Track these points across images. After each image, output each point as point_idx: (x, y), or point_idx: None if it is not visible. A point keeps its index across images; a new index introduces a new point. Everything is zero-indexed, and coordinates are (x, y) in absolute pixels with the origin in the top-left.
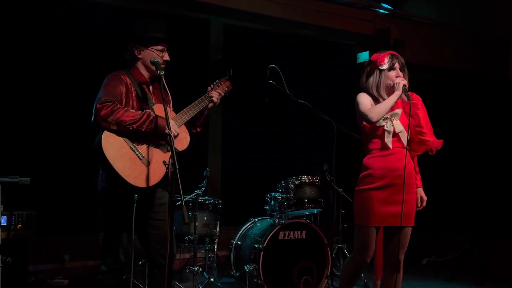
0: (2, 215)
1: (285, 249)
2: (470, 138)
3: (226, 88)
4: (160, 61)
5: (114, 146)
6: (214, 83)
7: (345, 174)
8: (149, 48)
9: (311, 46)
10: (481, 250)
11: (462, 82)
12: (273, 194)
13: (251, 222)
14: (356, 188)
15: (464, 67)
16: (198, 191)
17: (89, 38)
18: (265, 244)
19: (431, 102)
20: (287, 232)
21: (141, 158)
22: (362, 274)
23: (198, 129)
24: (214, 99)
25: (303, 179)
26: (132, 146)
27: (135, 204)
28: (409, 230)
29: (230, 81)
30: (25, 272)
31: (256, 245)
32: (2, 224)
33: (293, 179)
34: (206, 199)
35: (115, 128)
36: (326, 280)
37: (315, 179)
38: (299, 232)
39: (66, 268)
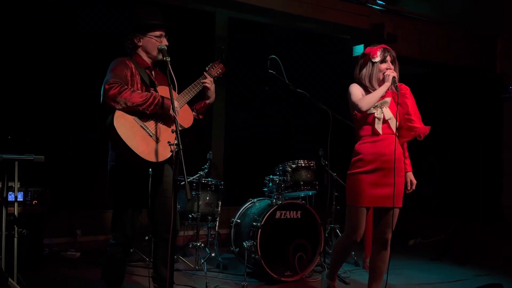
0: (18, 191)
1: (281, 228)
2: (459, 128)
3: (220, 71)
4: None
5: (125, 125)
6: (209, 65)
7: (339, 159)
8: (148, 35)
9: (310, 39)
10: (465, 233)
11: (453, 75)
12: (271, 176)
13: (251, 202)
14: (348, 172)
15: (455, 61)
16: (201, 172)
17: (90, 37)
18: (262, 222)
19: (424, 94)
20: (283, 212)
21: (151, 135)
22: (353, 253)
23: (201, 117)
24: (207, 84)
25: (300, 163)
26: (142, 125)
27: (150, 178)
28: (397, 211)
29: (223, 63)
30: (40, 244)
31: (254, 223)
32: (18, 200)
33: (290, 163)
34: (209, 180)
35: (124, 107)
36: (319, 256)
37: (311, 163)
38: (294, 212)
39: (79, 242)
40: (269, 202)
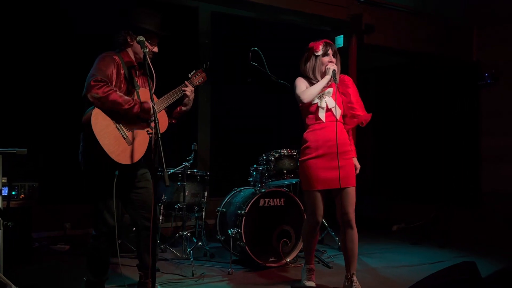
0: (5, 186)
1: (265, 215)
2: (439, 116)
3: (202, 79)
4: (148, 50)
5: (102, 123)
6: (192, 73)
7: None
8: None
9: (292, 31)
10: (446, 218)
11: (430, 65)
12: (255, 166)
13: (235, 191)
14: (299, 159)
15: (432, 50)
16: (186, 163)
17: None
18: (246, 210)
19: (403, 83)
20: (267, 200)
21: (125, 137)
22: (337, 238)
23: (174, 121)
24: (187, 93)
25: (282, 152)
26: (117, 126)
27: (115, 179)
28: (352, 189)
29: (205, 72)
30: (29, 238)
31: (239, 211)
32: (4, 194)
33: (273, 152)
34: (194, 171)
35: (103, 106)
36: (302, 243)
37: (293, 152)
38: (278, 199)
39: (68, 235)
40: (253, 190)
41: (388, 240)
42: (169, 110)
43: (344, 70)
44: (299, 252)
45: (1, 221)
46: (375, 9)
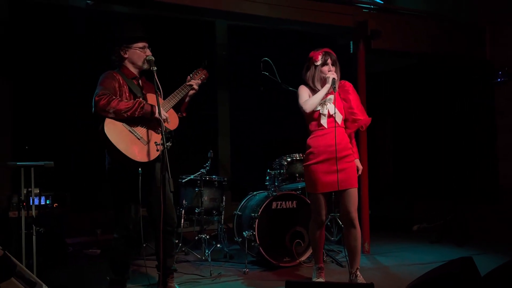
0: (40, 195)
1: (278, 217)
2: (455, 115)
3: (203, 76)
4: (144, 56)
5: (115, 131)
6: (193, 72)
7: None
8: (132, 47)
9: (301, 39)
10: (464, 215)
11: (444, 65)
12: (268, 170)
13: (251, 195)
14: (303, 164)
15: (445, 51)
16: (202, 170)
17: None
18: (259, 213)
19: (419, 84)
20: (279, 202)
21: (140, 138)
22: None
23: (184, 114)
24: (194, 86)
25: (294, 157)
26: (130, 129)
27: (140, 177)
28: (354, 190)
29: (206, 69)
30: (63, 243)
31: (252, 214)
32: (41, 204)
33: (286, 156)
34: (212, 177)
35: (113, 116)
36: None
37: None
38: (290, 202)
39: (99, 240)
40: (266, 194)
41: (407, 240)
42: (177, 106)
43: (353, 75)
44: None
45: (34, 227)
46: (381, 14)
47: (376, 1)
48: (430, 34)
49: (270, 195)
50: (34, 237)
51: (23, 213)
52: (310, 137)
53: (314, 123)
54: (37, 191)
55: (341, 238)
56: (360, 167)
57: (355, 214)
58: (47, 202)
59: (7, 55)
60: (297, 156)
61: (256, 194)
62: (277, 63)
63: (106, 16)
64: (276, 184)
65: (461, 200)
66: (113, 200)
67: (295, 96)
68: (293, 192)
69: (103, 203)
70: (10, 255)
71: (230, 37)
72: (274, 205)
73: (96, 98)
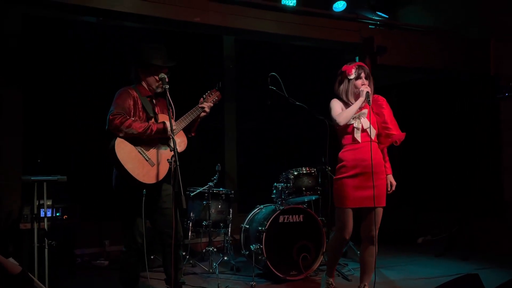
0: (50, 208)
1: (285, 231)
2: (461, 130)
3: (216, 98)
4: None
5: (125, 150)
6: (206, 93)
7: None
8: (149, 71)
9: (308, 54)
10: (469, 228)
11: (448, 80)
12: (275, 184)
13: (258, 208)
14: (334, 177)
15: (449, 66)
16: (210, 183)
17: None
18: (266, 227)
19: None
20: (286, 216)
21: (148, 159)
22: (358, 252)
23: (193, 134)
24: (206, 109)
25: (301, 170)
26: (139, 150)
27: (143, 198)
28: (381, 210)
29: (219, 91)
30: (72, 255)
31: (260, 228)
32: (51, 216)
33: (293, 170)
34: (220, 190)
35: (124, 135)
36: (322, 256)
37: (312, 170)
38: (297, 216)
39: (107, 251)
40: (274, 207)
41: (412, 253)
42: (187, 127)
43: None
44: (319, 266)
45: (46, 240)
46: (387, 30)
47: (381, 15)
48: (435, 50)
49: (278, 208)
50: (46, 250)
51: (36, 226)
52: (342, 150)
53: (347, 136)
54: (50, 203)
55: (347, 251)
56: (394, 182)
57: (375, 233)
58: (57, 214)
59: (19, 67)
60: (303, 170)
61: (263, 207)
62: (283, 75)
63: (116, 30)
64: (283, 197)
65: (466, 213)
66: (121, 214)
67: (302, 109)
68: (300, 206)
69: (111, 215)
70: (26, 271)
71: (237, 51)
72: (281, 219)
73: (111, 117)
